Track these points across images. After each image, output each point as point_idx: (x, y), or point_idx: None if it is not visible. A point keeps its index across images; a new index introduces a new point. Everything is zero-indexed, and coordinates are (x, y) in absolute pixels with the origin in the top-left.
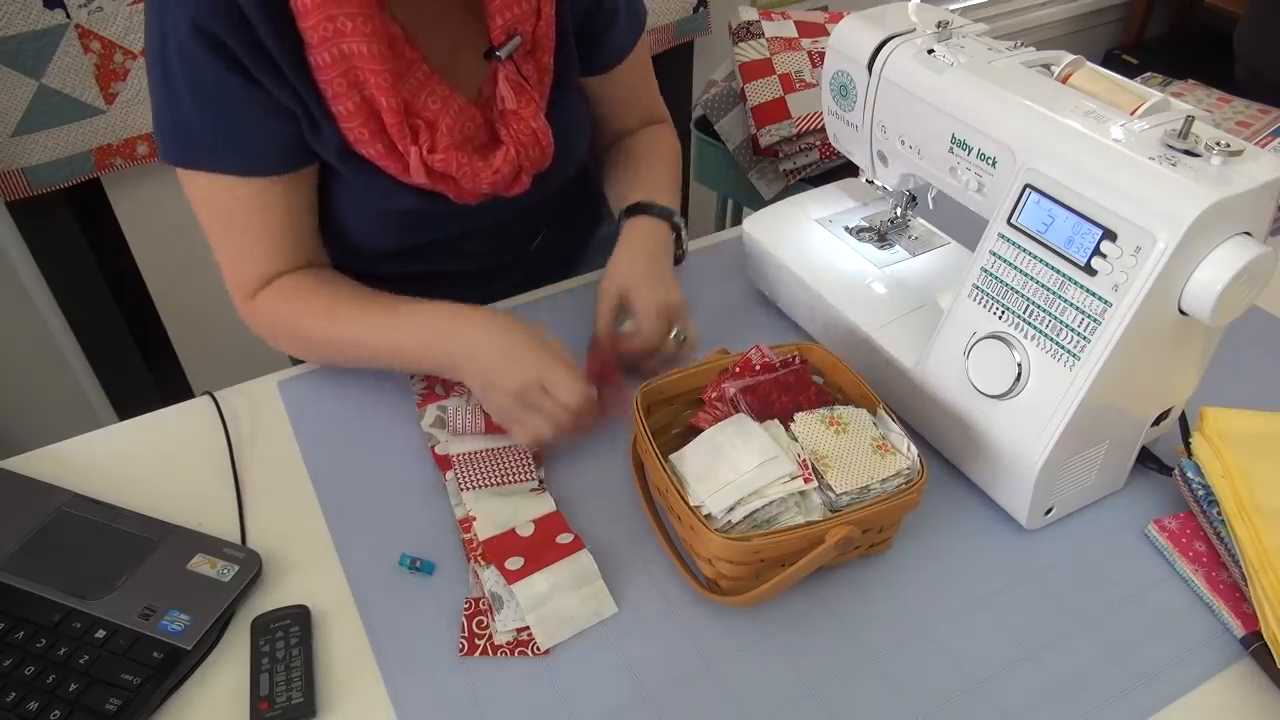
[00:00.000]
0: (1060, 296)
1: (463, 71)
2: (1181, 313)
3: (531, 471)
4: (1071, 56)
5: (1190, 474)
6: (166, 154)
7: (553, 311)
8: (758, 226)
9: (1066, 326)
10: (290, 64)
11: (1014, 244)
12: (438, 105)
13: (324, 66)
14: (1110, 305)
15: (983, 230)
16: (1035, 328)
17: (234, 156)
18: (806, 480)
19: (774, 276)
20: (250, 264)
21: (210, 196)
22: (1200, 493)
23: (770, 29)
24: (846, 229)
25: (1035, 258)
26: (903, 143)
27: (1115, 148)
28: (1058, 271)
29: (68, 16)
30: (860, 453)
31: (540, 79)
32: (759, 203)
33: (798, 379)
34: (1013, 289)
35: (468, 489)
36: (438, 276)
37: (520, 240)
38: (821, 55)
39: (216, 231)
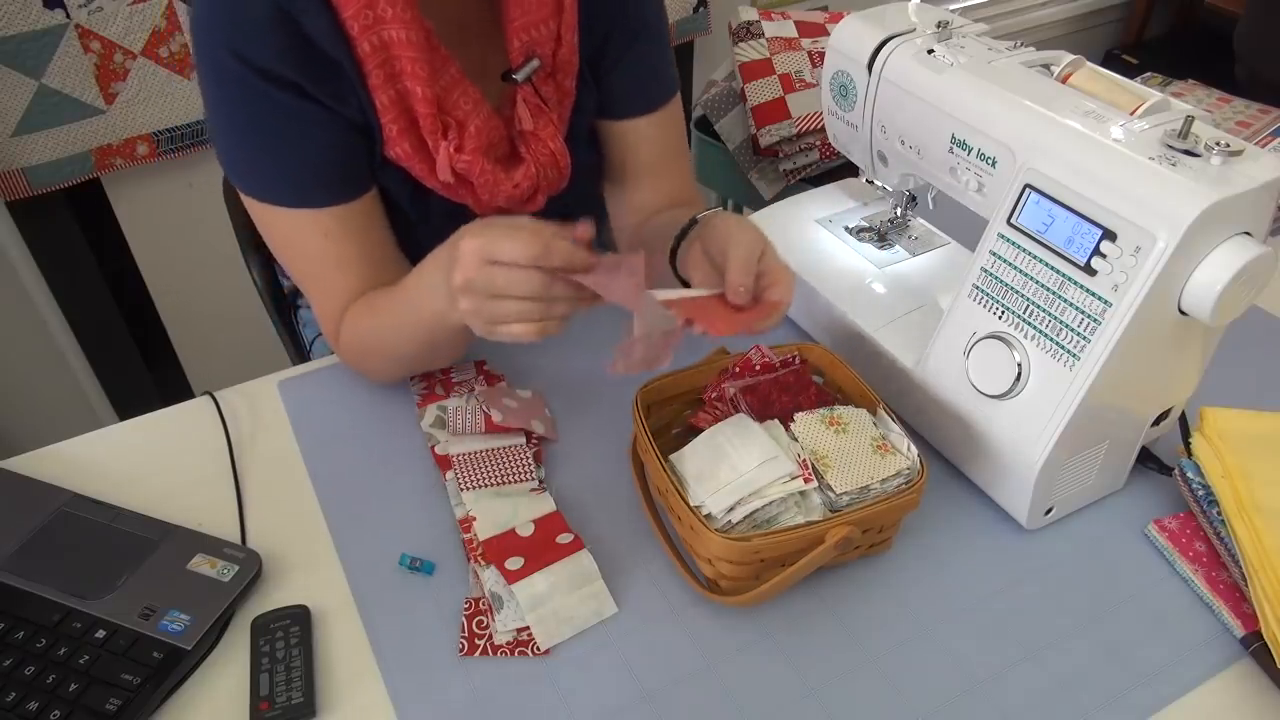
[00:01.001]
0: (1060, 296)
1: (484, 89)
2: (1181, 313)
3: (531, 471)
4: (1071, 56)
5: (1190, 474)
6: (245, 188)
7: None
8: (758, 226)
9: (1066, 326)
10: (345, 58)
11: (1014, 244)
12: (469, 106)
13: (364, 58)
14: (1110, 305)
15: (983, 230)
16: (1035, 328)
17: (316, 190)
18: (806, 480)
19: None
20: (341, 295)
21: (286, 231)
22: (1200, 493)
23: (770, 29)
24: (846, 229)
25: (1035, 258)
26: (903, 143)
27: (1115, 148)
28: (1057, 271)
29: (68, 16)
30: (860, 453)
31: (561, 101)
32: (759, 203)
33: (798, 379)
34: (1013, 289)
35: (468, 489)
36: None
37: None
38: (821, 55)
39: (302, 267)
